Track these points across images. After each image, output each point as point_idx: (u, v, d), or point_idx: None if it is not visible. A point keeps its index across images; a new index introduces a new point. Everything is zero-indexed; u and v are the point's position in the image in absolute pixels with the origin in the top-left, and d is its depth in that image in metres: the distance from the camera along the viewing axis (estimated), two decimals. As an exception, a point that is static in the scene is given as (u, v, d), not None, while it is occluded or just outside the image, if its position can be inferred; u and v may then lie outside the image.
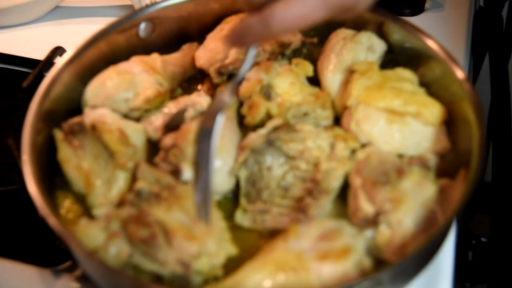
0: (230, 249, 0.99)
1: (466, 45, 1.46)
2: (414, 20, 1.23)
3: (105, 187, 1.09)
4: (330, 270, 0.95)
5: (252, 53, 1.04)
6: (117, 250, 0.96)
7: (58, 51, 1.40)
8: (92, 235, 0.98)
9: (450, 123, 1.15)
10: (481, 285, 1.21)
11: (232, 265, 1.01)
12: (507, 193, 1.45)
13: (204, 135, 0.99)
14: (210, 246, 0.96)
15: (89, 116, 1.11)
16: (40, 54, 1.41)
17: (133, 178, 1.08)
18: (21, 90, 1.32)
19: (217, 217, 1.00)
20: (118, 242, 0.97)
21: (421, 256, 0.95)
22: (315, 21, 0.92)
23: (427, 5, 1.54)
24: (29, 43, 1.52)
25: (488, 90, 1.70)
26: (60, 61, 1.17)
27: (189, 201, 1.00)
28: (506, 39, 1.81)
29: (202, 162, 0.98)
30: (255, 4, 0.94)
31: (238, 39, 0.97)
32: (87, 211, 1.09)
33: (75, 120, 1.13)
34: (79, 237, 0.97)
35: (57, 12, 1.59)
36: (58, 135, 1.13)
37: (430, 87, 1.19)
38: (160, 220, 0.97)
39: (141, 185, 1.03)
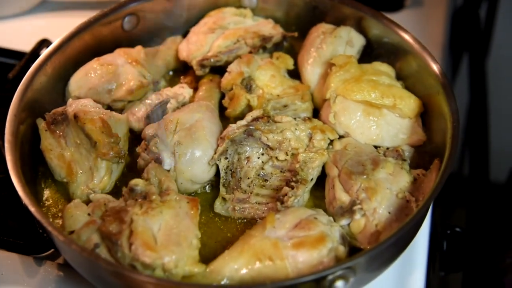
0: (195, 267, 0.97)
1: (444, 42, 1.49)
2: (394, 16, 1.25)
3: (87, 175, 1.11)
4: (306, 257, 0.97)
5: None
6: (86, 237, 0.97)
7: (44, 43, 1.42)
8: (76, 217, 0.99)
9: (426, 116, 1.17)
10: (456, 273, 1.23)
11: (211, 253, 1.04)
12: (483, 186, 1.48)
13: None
14: (167, 261, 0.95)
15: (72, 106, 1.13)
16: (26, 46, 1.43)
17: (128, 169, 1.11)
18: (7, 81, 1.33)
19: (193, 235, 0.99)
20: (90, 230, 0.98)
21: (394, 244, 0.97)
22: None
23: (407, 2, 1.56)
24: (16, 35, 1.53)
25: (467, 87, 1.73)
26: (44, 52, 1.19)
27: (173, 211, 1.00)
28: (484, 38, 1.84)
29: None
30: None
31: None
32: (67, 199, 1.11)
33: (58, 110, 1.15)
34: (67, 215, 0.99)
35: (45, 6, 1.61)
36: (41, 124, 1.14)
37: (407, 81, 1.21)
38: (133, 220, 0.97)
39: (136, 182, 1.04)
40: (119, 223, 0.97)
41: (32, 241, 1.11)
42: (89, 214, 1.01)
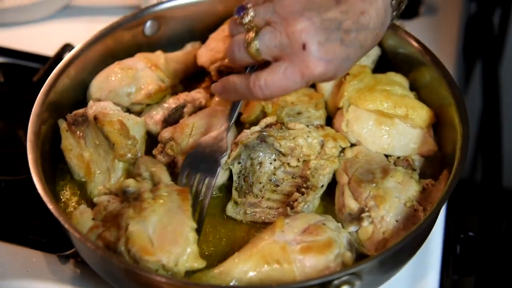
0: (194, 263, 0.98)
1: (458, 49, 1.50)
2: (408, 24, 1.27)
3: (104, 176, 1.15)
4: (313, 262, 0.99)
5: (237, 105, 1.10)
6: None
7: (67, 48, 1.47)
8: (81, 224, 1.03)
9: (438, 127, 1.19)
10: (468, 277, 1.24)
11: (222, 255, 1.07)
12: (496, 192, 1.48)
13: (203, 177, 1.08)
14: (166, 262, 0.96)
15: (92, 108, 1.17)
16: (50, 50, 1.48)
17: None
18: (32, 84, 1.38)
19: (188, 229, 1.00)
20: (95, 235, 1.01)
21: (400, 251, 0.99)
22: (293, 91, 1.00)
23: (421, 10, 1.58)
24: (40, 40, 1.58)
25: (480, 94, 1.74)
26: (67, 56, 1.23)
27: (165, 207, 1.00)
28: (497, 45, 1.85)
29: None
30: (242, 65, 1.02)
31: (223, 93, 1.07)
32: (85, 198, 1.15)
33: (79, 111, 1.19)
34: (73, 222, 1.03)
35: (67, 11, 1.66)
36: (63, 125, 1.18)
37: (420, 92, 1.23)
38: (128, 225, 0.98)
39: (128, 183, 1.06)
40: (116, 229, 0.99)
41: (56, 239, 1.14)
42: (93, 219, 1.04)
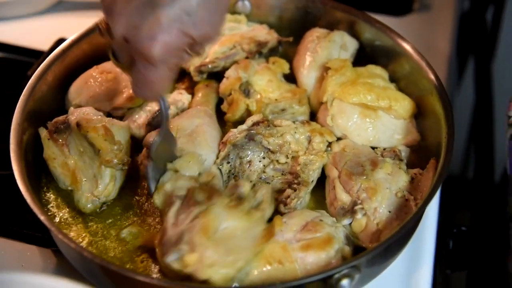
0: (213, 277, 0.95)
1: (451, 46, 1.52)
2: (402, 20, 1.27)
3: (91, 183, 1.12)
4: (314, 259, 1.00)
5: (161, 103, 1.07)
6: (179, 186, 1.04)
7: (61, 42, 1.43)
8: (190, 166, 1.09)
9: (420, 117, 1.21)
10: (461, 272, 1.26)
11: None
12: (488, 188, 1.51)
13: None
14: (204, 256, 0.94)
15: (74, 114, 1.14)
16: (44, 45, 1.44)
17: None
18: (26, 78, 1.34)
19: (244, 257, 0.97)
20: (187, 184, 1.04)
21: (397, 241, 1.01)
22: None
23: (415, 6, 1.60)
24: (34, 34, 1.55)
25: (473, 91, 1.77)
26: (43, 63, 1.20)
27: (247, 224, 1.00)
28: (490, 42, 1.88)
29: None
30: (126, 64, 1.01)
31: (137, 95, 1.05)
32: (73, 207, 1.13)
33: (60, 118, 1.16)
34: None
35: (61, 5, 1.63)
36: (43, 133, 1.15)
37: (399, 83, 1.25)
38: (214, 205, 0.99)
39: (245, 185, 1.04)
40: (206, 198, 0.99)
41: (49, 234, 1.10)
42: (199, 174, 1.07)
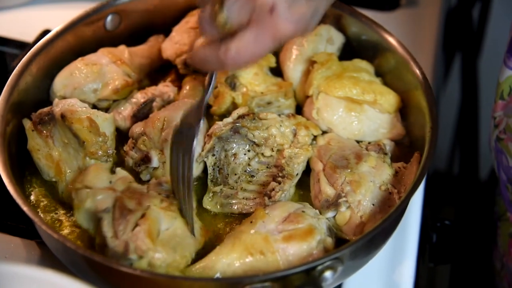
0: (173, 272, 0.99)
1: (437, 42, 1.52)
2: (389, 15, 1.27)
3: (75, 175, 1.12)
4: (296, 250, 1.00)
5: (213, 76, 1.08)
6: (101, 199, 1.02)
7: (46, 34, 1.41)
8: (100, 177, 1.06)
9: (404, 111, 1.22)
10: (444, 265, 1.27)
11: (200, 248, 1.06)
12: (473, 184, 1.53)
13: (183, 153, 1.04)
14: (157, 257, 0.97)
15: (59, 106, 1.14)
16: (29, 36, 1.43)
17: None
18: (10, 70, 1.33)
19: (189, 253, 1.01)
20: (108, 195, 1.02)
21: (380, 233, 1.01)
22: (265, 55, 1.00)
23: (402, 1, 1.60)
24: (19, 26, 1.54)
25: (459, 87, 1.78)
26: (27, 54, 1.19)
27: (185, 225, 1.03)
28: (477, 38, 1.89)
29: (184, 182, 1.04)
30: (212, 39, 1.01)
31: (197, 65, 1.05)
32: (57, 199, 1.12)
33: (44, 110, 1.15)
34: (90, 171, 1.07)
35: None
36: (28, 124, 1.15)
37: (385, 77, 1.25)
38: (150, 208, 1.00)
39: (168, 180, 1.07)
40: (137, 203, 1.00)
41: (33, 225, 1.10)
42: (110, 182, 1.05)
